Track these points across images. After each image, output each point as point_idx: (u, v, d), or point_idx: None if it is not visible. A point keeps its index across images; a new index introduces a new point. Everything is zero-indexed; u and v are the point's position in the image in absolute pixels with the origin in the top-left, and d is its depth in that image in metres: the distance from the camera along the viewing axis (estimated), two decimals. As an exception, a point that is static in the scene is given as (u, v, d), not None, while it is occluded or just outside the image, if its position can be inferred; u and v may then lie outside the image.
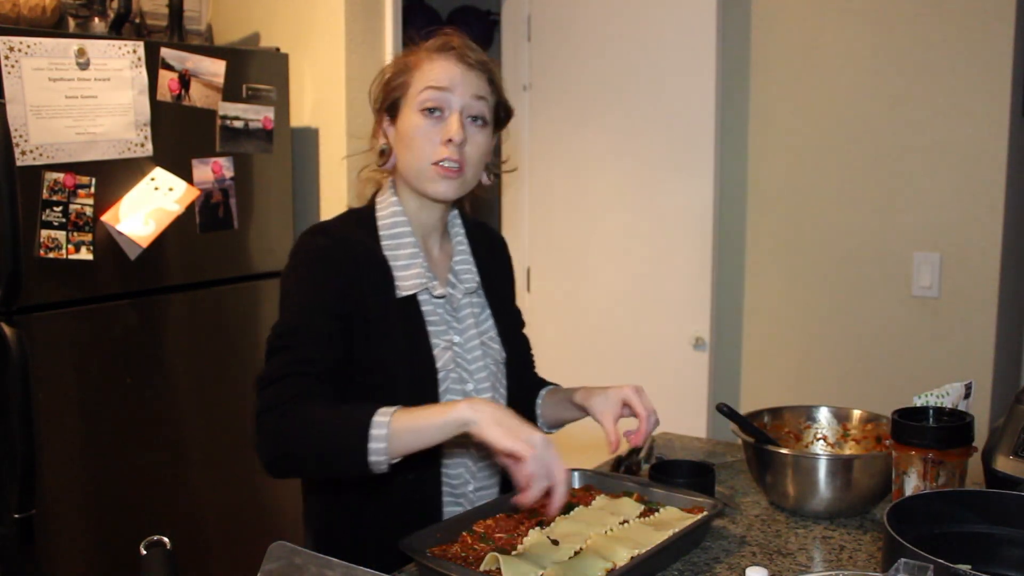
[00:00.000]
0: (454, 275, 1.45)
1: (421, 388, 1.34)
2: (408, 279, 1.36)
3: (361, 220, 1.40)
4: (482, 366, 1.42)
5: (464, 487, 1.41)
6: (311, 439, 1.19)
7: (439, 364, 1.36)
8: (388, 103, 1.39)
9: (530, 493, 1.11)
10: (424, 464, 1.36)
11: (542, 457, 1.11)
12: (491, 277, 1.52)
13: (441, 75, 1.34)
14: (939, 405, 1.35)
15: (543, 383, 1.61)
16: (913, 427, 1.25)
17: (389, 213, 1.40)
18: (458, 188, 1.36)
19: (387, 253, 1.36)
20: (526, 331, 1.62)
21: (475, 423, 1.12)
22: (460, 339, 1.41)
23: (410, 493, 1.37)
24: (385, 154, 1.41)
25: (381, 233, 1.38)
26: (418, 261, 1.38)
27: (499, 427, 1.12)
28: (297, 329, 1.27)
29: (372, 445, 1.14)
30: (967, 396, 1.41)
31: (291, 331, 1.27)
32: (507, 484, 1.48)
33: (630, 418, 1.41)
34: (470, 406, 1.14)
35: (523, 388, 1.56)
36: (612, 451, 1.38)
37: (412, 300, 1.36)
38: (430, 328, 1.37)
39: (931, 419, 1.29)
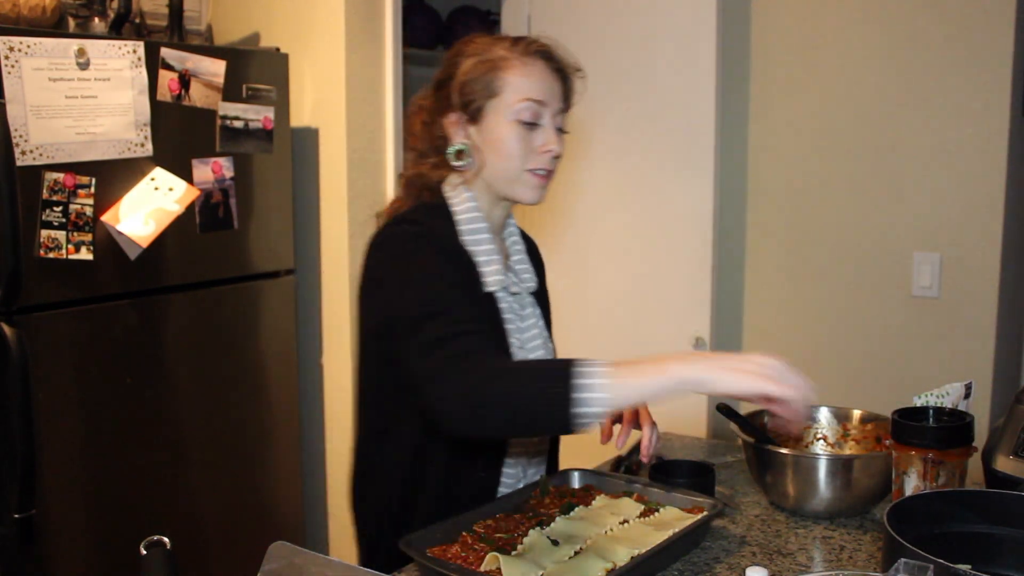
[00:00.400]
0: (515, 275, 1.45)
1: None
2: (491, 274, 1.36)
3: (438, 212, 1.37)
4: None
5: (516, 486, 1.44)
6: (507, 390, 1.10)
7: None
8: (466, 103, 1.35)
9: (797, 424, 1.06)
10: (491, 463, 1.39)
11: (797, 383, 1.02)
12: (540, 279, 1.55)
13: (539, 86, 1.33)
14: (939, 405, 1.35)
15: None
16: (913, 427, 1.25)
17: (466, 208, 1.37)
18: (544, 193, 1.39)
19: (470, 248, 1.35)
20: None
21: (708, 381, 1.03)
22: (524, 337, 1.42)
23: (472, 491, 1.38)
24: (464, 154, 1.37)
25: (460, 228, 1.36)
26: (497, 257, 1.37)
27: (737, 373, 1.02)
28: (441, 296, 1.22)
29: (581, 395, 1.04)
30: (967, 396, 1.41)
31: (436, 298, 1.21)
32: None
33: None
34: (686, 364, 1.04)
35: None
36: (603, 441, 1.42)
37: (492, 296, 1.37)
38: (506, 326, 1.38)
39: (931, 419, 1.29)
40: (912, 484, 1.25)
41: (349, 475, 1.47)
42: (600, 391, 1.05)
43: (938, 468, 1.23)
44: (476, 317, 1.22)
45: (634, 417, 1.50)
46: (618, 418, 1.52)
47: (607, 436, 1.45)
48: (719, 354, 1.07)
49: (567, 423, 1.06)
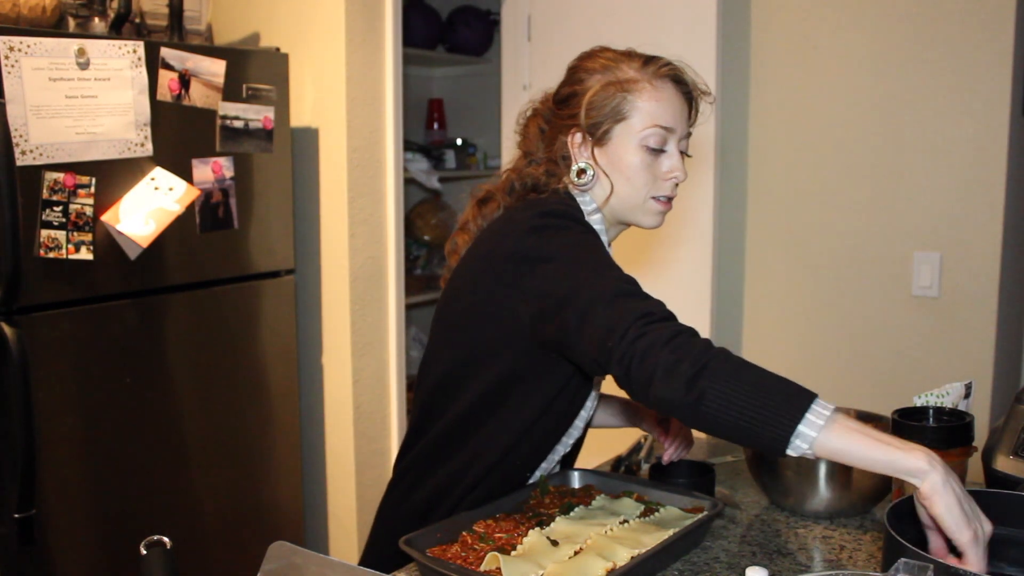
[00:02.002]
0: None
1: (582, 376, 1.34)
2: None
3: (577, 212, 1.33)
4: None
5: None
6: (739, 377, 1.05)
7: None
8: (593, 125, 1.32)
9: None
10: (535, 463, 1.40)
11: (980, 549, 0.94)
12: None
13: (667, 112, 1.31)
14: (939, 405, 1.35)
15: None
16: (913, 427, 1.26)
17: (596, 220, 1.35)
18: (664, 219, 1.37)
19: None
20: None
21: (930, 486, 0.96)
22: None
23: (504, 489, 1.38)
24: (585, 174, 1.34)
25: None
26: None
27: (954, 500, 0.95)
28: (636, 282, 1.18)
29: (804, 427, 1.00)
30: (967, 396, 1.41)
31: (629, 279, 1.18)
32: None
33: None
34: (929, 461, 0.96)
35: None
36: (666, 460, 1.50)
37: None
38: None
39: (931, 419, 1.29)
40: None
41: (397, 472, 1.43)
42: (827, 428, 1.00)
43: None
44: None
45: (681, 428, 1.51)
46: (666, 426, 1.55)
47: (668, 455, 1.52)
48: (957, 480, 0.97)
49: (781, 440, 1.01)
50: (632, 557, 1.17)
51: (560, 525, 1.29)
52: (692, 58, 2.67)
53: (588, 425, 1.48)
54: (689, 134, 1.37)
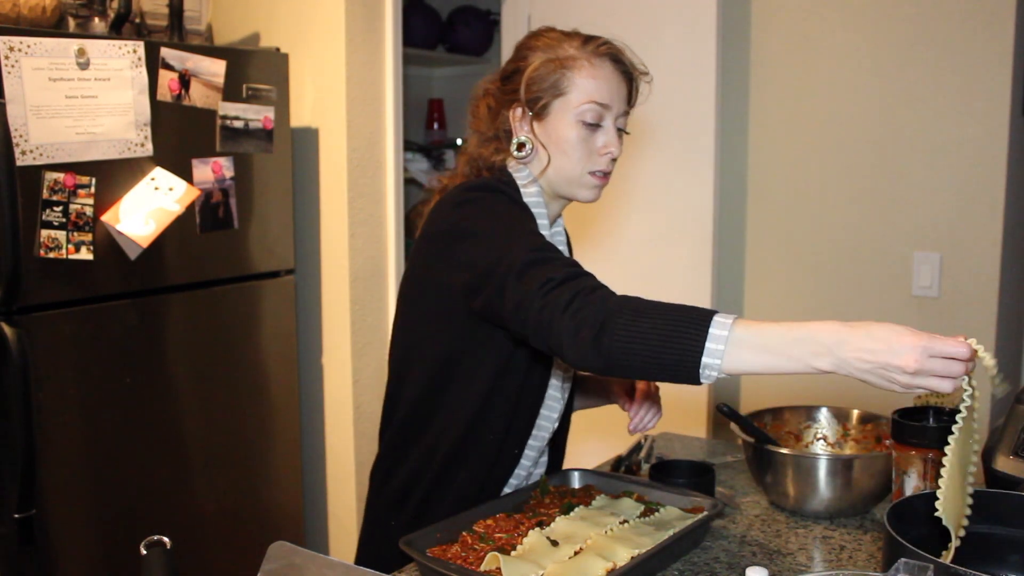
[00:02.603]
0: None
1: (538, 361, 1.37)
2: None
3: (508, 186, 1.36)
4: None
5: (531, 469, 1.46)
6: (638, 325, 1.05)
7: None
8: (532, 100, 1.36)
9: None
10: (522, 441, 1.41)
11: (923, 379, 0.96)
12: None
13: (604, 89, 1.35)
14: (939, 405, 1.35)
15: None
16: (913, 427, 1.26)
17: (533, 191, 1.38)
18: (600, 193, 1.41)
19: None
20: None
21: (845, 374, 0.99)
22: None
23: (488, 470, 1.40)
24: (524, 147, 1.38)
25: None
26: (557, 242, 1.40)
27: (879, 379, 0.98)
28: (546, 244, 1.22)
29: (710, 346, 1.01)
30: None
31: (544, 246, 1.21)
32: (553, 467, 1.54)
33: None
34: (836, 356, 0.98)
35: None
36: (631, 429, 1.49)
37: None
38: None
39: (931, 419, 1.29)
40: (912, 484, 1.25)
41: (378, 453, 1.46)
42: (730, 346, 1.01)
43: (938, 468, 1.23)
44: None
45: (646, 391, 1.52)
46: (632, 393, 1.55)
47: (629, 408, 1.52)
48: (872, 339, 0.97)
49: (691, 370, 1.02)
50: (632, 557, 1.17)
51: (560, 525, 1.29)
52: (692, 58, 2.69)
53: (571, 403, 1.51)
54: (627, 112, 1.40)
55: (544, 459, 1.51)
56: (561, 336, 1.09)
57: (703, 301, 2.72)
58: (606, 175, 1.39)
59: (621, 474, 1.59)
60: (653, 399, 1.52)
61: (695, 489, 1.41)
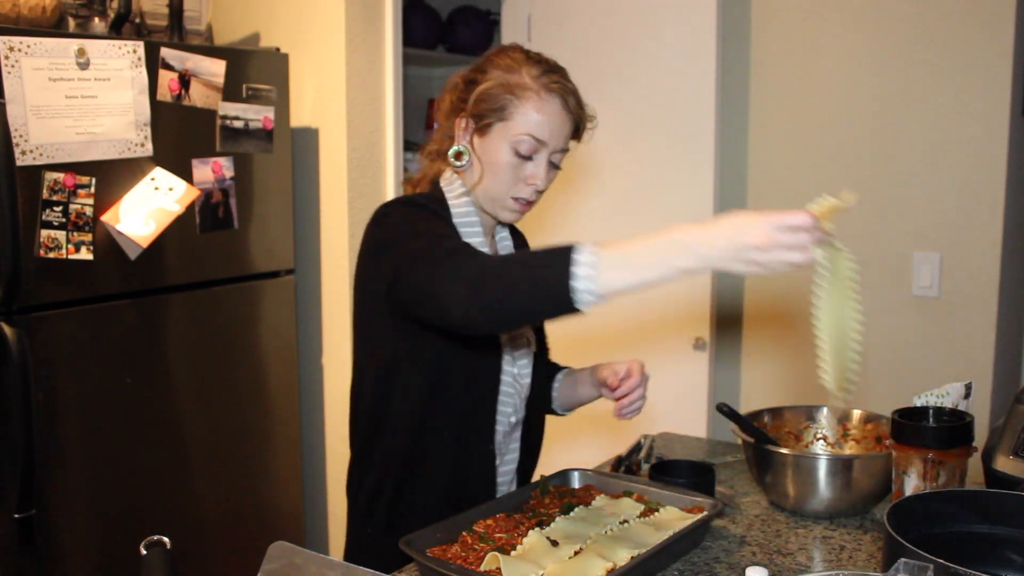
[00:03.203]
0: None
1: (483, 359, 1.41)
2: None
3: (435, 201, 1.41)
4: (526, 352, 1.49)
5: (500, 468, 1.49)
6: (514, 271, 1.13)
7: (502, 339, 1.43)
8: (478, 114, 1.38)
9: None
10: (489, 438, 1.43)
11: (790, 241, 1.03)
12: None
13: (544, 125, 1.36)
14: (939, 405, 1.35)
15: (557, 367, 1.67)
16: (913, 427, 1.26)
17: (463, 203, 1.42)
18: (521, 217, 1.45)
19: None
20: None
21: (716, 268, 1.06)
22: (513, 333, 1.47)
23: (473, 467, 1.43)
24: (463, 156, 1.41)
25: (455, 221, 1.40)
26: (485, 250, 1.40)
27: (741, 264, 1.05)
28: (445, 236, 1.29)
29: (579, 272, 1.06)
30: (967, 396, 1.41)
31: (444, 235, 1.29)
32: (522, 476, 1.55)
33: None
34: (696, 253, 1.05)
35: (538, 374, 1.59)
36: (617, 412, 1.49)
37: None
38: None
39: (931, 419, 1.29)
40: (912, 484, 1.25)
41: (349, 462, 1.49)
42: (599, 271, 1.06)
43: (938, 468, 1.23)
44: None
45: (629, 373, 1.52)
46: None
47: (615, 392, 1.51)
48: (724, 228, 1.05)
49: (565, 301, 1.08)
50: (632, 557, 1.17)
51: (560, 525, 1.29)
52: (692, 58, 2.69)
53: (541, 402, 1.55)
54: (566, 150, 1.42)
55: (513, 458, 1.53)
56: (443, 297, 1.16)
57: (703, 301, 2.72)
58: (529, 203, 1.41)
59: (621, 474, 1.59)
60: (636, 383, 1.51)
61: (695, 489, 1.41)
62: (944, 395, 1.37)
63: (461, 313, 1.14)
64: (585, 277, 1.06)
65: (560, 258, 1.08)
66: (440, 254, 1.21)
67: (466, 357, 1.39)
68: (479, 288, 1.13)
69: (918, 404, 1.36)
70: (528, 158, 1.37)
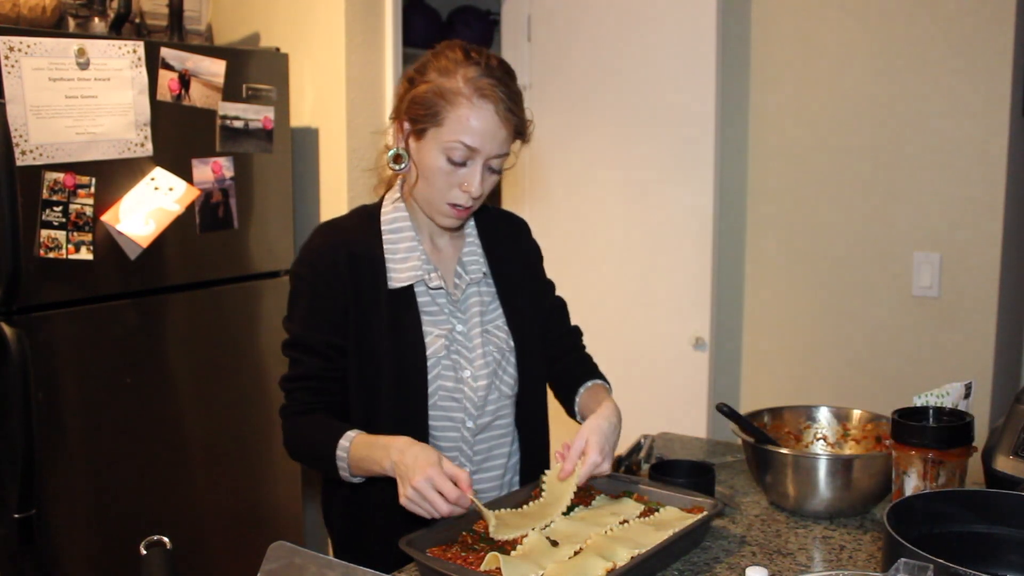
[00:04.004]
0: (462, 266, 1.49)
1: (408, 375, 1.41)
2: (403, 271, 1.42)
3: (369, 216, 1.48)
4: (482, 354, 1.46)
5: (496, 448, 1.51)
6: (304, 452, 1.44)
7: (429, 351, 1.42)
8: (413, 118, 1.38)
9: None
10: (421, 413, 1.46)
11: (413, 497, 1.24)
12: (504, 263, 1.55)
13: (476, 132, 1.33)
14: (939, 405, 1.35)
15: (586, 376, 1.60)
16: (913, 427, 1.26)
17: (391, 210, 1.47)
18: (463, 222, 1.46)
19: (387, 247, 1.44)
20: None
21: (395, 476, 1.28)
22: (463, 328, 1.46)
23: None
24: (401, 159, 1.42)
25: (383, 228, 1.45)
26: (415, 255, 1.44)
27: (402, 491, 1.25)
28: (301, 342, 1.42)
29: (340, 464, 1.35)
30: (967, 396, 1.41)
31: (296, 343, 1.43)
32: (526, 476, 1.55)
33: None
34: (393, 463, 1.28)
35: (555, 358, 1.62)
36: (561, 475, 1.39)
37: (408, 292, 1.43)
38: (425, 318, 1.43)
39: (931, 419, 1.29)
40: (912, 484, 1.25)
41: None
42: (349, 465, 1.35)
43: (938, 468, 1.23)
44: (325, 363, 1.41)
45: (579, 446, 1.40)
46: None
47: (564, 473, 1.41)
48: (410, 456, 1.26)
49: (338, 478, 1.38)
50: (632, 557, 1.17)
51: (560, 525, 1.29)
52: (692, 58, 2.69)
53: (536, 381, 1.56)
54: (506, 154, 1.39)
55: (514, 441, 1.53)
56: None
57: (703, 301, 2.72)
58: (466, 209, 1.40)
59: (621, 474, 1.58)
60: (596, 450, 1.36)
61: (695, 489, 1.41)
62: (944, 395, 1.37)
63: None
64: (342, 463, 1.36)
65: (328, 454, 1.37)
66: (285, 406, 1.45)
67: (391, 365, 1.42)
68: (292, 453, 1.46)
69: (918, 404, 1.36)
70: (462, 164, 1.35)
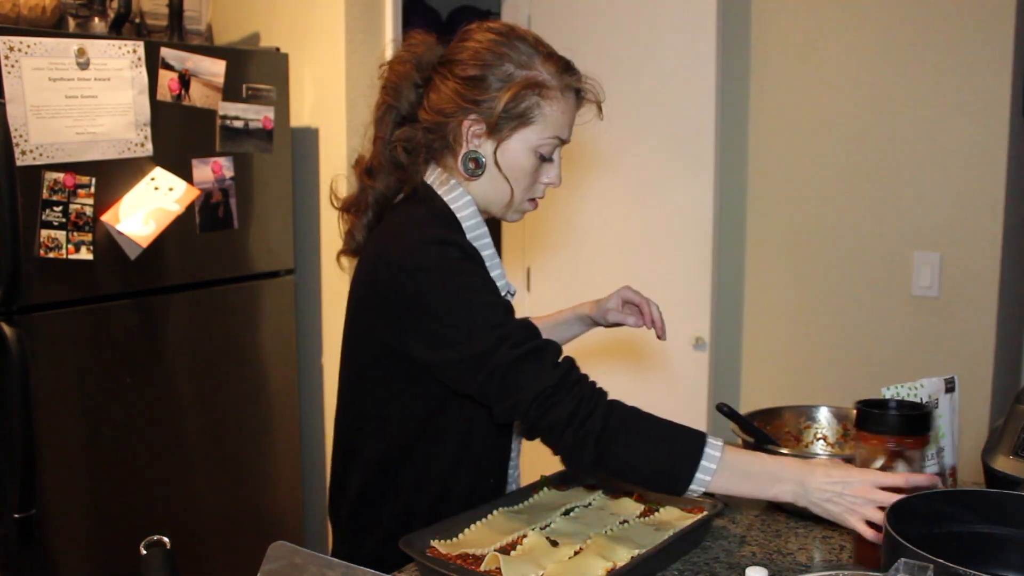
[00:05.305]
0: None
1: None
2: (498, 280, 1.32)
3: (447, 220, 1.30)
4: None
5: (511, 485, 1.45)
6: (640, 449, 1.16)
7: None
8: (499, 119, 1.27)
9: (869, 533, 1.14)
10: (502, 467, 1.40)
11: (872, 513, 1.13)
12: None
13: (567, 125, 1.31)
14: (908, 398, 1.35)
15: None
16: (877, 415, 1.25)
17: (470, 214, 1.32)
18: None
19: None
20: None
21: (805, 504, 1.17)
22: None
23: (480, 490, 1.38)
24: (479, 166, 1.29)
25: (468, 235, 1.30)
26: (498, 262, 1.35)
27: (826, 507, 1.15)
28: (526, 330, 1.20)
29: (699, 476, 1.15)
30: (950, 391, 1.40)
31: (524, 336, 1.19)
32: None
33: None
34: (796, 486, 1.15)
35: None
36: (659, 335, 1.52)
37: None
38: None
39: (895, 407, 1.29)
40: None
41: (332, 496, 1.40)
42: (716, 476, 1.15)
43: (898, 457, 1.23)
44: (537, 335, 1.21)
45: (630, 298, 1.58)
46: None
47: (659, 328, 1.55)
48: (831, 473, 1.16)
49: (679, 491, 1.17)
50: (632, 557, 1.17)
51: (560, 525, 1.29)
52: (692, 58, 2.69)
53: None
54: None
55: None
56: (563, 451, 1.17)
57: (703, 301, 2.72)
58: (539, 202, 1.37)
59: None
60: (638, 297, 1.57)
61: (695, 489, 1.41)
62: (918, 387, 1.37)
63: (576, 469, 1.20)
64: (704, 473, 1.15)
65: (691, 449, 1.16)
66: (547, 384, 1.15)
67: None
68: (604, 456, 1.15)
69: (887, 395, 1.36)
70: (550, 159, 1.33)
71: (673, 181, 2.76)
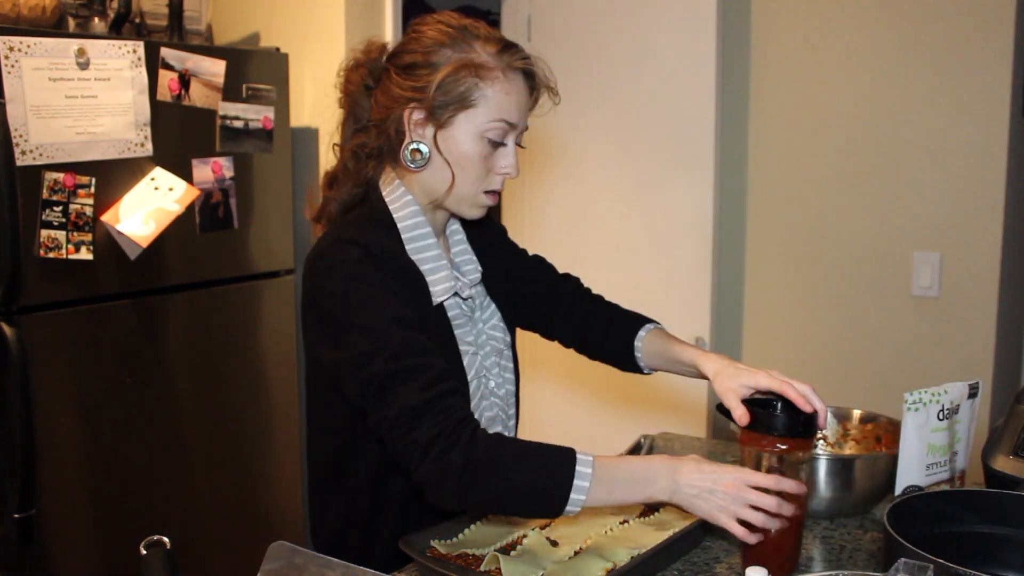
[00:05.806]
0: (456, 269, 1.37)
1: None
2: (438, 283, 1.28)
3: (380, 222, 1.27)
4: (495, 361, 1.39)
5: None
6: (507, 479, 1.09)
7: (470, 375, 1.32)
8: (438, 106, 1.23)
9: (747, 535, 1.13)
10: None
11: (742, 511, 1.11)
12: (484, 257, 1.45)
13: (514, 106, 1.25)
14: (933, 403, 1.33)
15: (639, 321, 1.58)
16: (764, 415, 1.22)
17: (409, 214, 1.29)
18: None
19: (413, 258, 1.27)
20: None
21: (680, 503, 1.14)
22: (472, 337, 1.36)
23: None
24: (421, 155, 1.25)
25: (404, 236, 1.28)
26: (443, 263, 1.30)
27: (701, 505, 1.12)
28: (410, 346, 1.14)
29: (574, 496, 1.10)
30: (972, 396, 1.38)
31: (405, 350, 1.13)
32: None
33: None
34: (666, 486, 1.13)
35: (558, 305, 1.56)
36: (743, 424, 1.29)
37: (441, 306, 1.30)
38: (456, 332, 1.32)
39: (779, 408, 1.26)
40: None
41: (307, 506, 1.41)
42: (591, 490, 1.11)
43: (782, 460, 1.20)
44: (440, 360, 1.16)
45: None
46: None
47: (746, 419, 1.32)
48: (702, 468, 1.13)
49: (556, 513, 1.12)
50: (632, 557, 1.17)
51: (560, 525, 1.29)
52: (692, 58, 2.69)
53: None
54: (526, 128, 1.31)
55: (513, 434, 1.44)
56: (422, 479, 1.10)
57: (703, 301, 2.72)
58: (498, 194, 1.30)
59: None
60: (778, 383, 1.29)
61: (695, 489, 1.40)
62: (941, 393, 1.36)
63: (439, 502, 1.12)
64: (578, 493, 1.10)
65: (562, 469, 1.10)
66: (413, 405, 1.10)
67: None
68: (468, 491, 1.09)
69: (910, 401, 1.34)
70: (499, 145, 1.26)
71: (673, 181, 2.76)
